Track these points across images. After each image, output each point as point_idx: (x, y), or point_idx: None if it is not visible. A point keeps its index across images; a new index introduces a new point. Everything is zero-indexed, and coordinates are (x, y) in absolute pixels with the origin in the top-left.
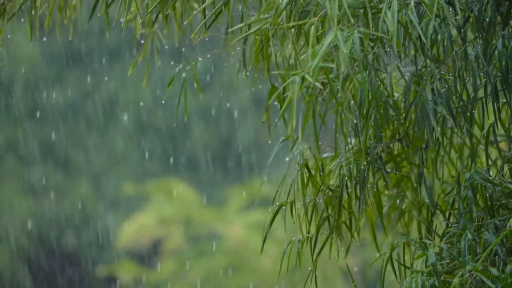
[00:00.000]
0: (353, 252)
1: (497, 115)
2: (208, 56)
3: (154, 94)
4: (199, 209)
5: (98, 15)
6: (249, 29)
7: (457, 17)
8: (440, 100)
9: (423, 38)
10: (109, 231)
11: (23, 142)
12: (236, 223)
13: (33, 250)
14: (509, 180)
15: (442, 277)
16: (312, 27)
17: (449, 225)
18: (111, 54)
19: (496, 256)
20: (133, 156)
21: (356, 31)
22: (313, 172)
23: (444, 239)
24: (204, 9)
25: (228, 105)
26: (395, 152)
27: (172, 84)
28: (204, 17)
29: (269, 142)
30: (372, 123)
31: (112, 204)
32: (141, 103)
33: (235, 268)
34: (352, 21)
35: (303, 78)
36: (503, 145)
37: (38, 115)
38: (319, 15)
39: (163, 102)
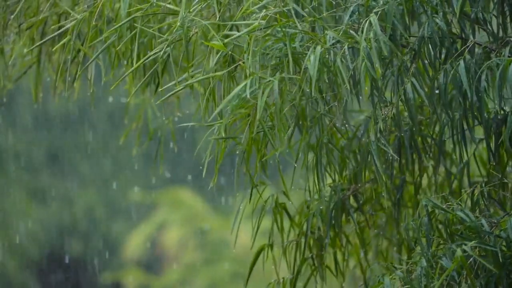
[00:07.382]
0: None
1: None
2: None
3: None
4: (206, 217)
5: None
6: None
7: (403, 57)
8: (383, 140)
9: (345, 79)
10: (116, 239)
11: (29, 149)
12: (242, 230)
13: (40, 258)
14: (460, 207)
15: None
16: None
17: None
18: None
19: (454, 282)
20: (140, 164)
21: (276, 78)
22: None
23: (407, 266)
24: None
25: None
26: (376, 191)
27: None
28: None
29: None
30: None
31: (119, 212)
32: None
33: (241, 275)
34: (269, 71)
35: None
36: None
37: (43, 122)
38: (235, 65)
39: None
